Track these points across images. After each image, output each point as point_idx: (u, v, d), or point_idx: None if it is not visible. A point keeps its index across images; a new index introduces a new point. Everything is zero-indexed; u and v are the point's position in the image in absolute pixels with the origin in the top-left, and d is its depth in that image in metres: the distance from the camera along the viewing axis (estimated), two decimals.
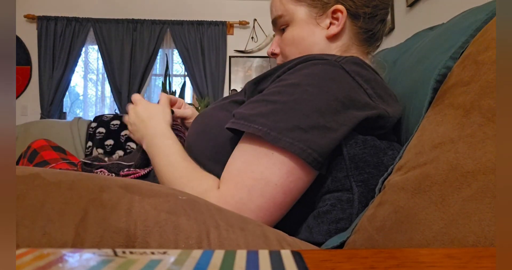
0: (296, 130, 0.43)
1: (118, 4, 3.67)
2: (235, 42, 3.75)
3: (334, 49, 0.60)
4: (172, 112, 0.69)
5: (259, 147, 0.45)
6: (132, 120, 0.65)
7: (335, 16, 0.59)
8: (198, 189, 0.46)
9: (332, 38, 0.60)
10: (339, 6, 0.58)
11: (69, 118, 3.67)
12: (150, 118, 0.63)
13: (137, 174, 0.63)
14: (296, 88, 0.47)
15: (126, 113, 0.67)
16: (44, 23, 3.51)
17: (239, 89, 3.21)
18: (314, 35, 0.60)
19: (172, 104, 0.73)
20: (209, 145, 0.55)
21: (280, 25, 0.63)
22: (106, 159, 0.75)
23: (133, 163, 0.67)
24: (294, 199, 0.46)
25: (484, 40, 0.38)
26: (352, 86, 0.48)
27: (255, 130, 0.44)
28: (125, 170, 0.65)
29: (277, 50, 0.65)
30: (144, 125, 0.62)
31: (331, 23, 0.60)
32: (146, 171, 0.64)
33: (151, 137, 0.59)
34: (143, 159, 0.65)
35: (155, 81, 3.75)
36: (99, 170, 0.67)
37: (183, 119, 0.75)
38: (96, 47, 3.65)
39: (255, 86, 0.56)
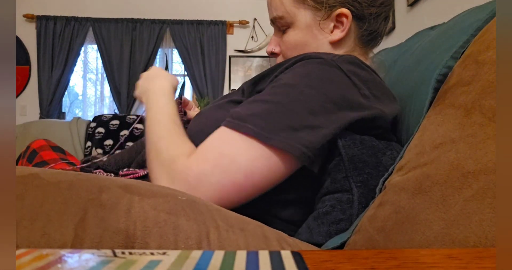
0: (288, 129, 0.44)
1: (118, 4, 3.67)
2: (235, 41, 3.75)
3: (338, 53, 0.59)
4: (185, 113, 0.71)
5: (239, 133, 0.46)
6: (141, 80, 0.66)
7: (339, 20, 0.57)
8: (172, 152, 0.47)
9: (336, 43, 0.58)
10: (344, 10, 0.56)
11: (68, 118, 3.67)
12: (156, 76, 0.64)
13: (136, 175, 0.63)
14: (292, 88, 0.47)
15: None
16: (43, 22, 3.51)
17: None
18: (318, 41, 0.58)
19: (184, 105, 0.75)
20: None
21: (280, 26, 0.61)
22: (104, 158, 0.75)
23: (131, 148, 0.67)
24: (255, 186, 0.46)
25: (485, 39, 0.38)
26: (347, 86, 0.48)
27: (248, 130, 0.44)
28: (125, 170, 0.64)
29: (276, 50, 0.63)
30: (149, 82, 0.63)
31: (334, 27, 0.58)
32: (145, 172, 0.64)
33: (153, 91, 0.60)
34: (143, 160, 0.65)
35: None
36: (98, 170, 0.67)
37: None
38: (95, 46, 3.65)
39: (253, 86, 0.55)
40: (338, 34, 0.57)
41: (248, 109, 0.47)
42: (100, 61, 3.64)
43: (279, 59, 0.64)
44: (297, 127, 0.44)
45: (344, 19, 0.57)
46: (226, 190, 0.44)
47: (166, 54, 3.68)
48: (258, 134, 0.44)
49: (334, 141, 0.47)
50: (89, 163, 0.71)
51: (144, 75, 0.66)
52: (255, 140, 0.44)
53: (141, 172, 0.63)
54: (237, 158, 0.44)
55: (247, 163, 0.44)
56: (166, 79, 0.63)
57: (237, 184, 0.44)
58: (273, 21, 0.62)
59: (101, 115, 2.62)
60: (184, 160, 0.45)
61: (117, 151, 0.75)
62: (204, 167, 0.44)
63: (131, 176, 0.63)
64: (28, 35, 3.54)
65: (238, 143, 0.45)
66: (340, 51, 0.59)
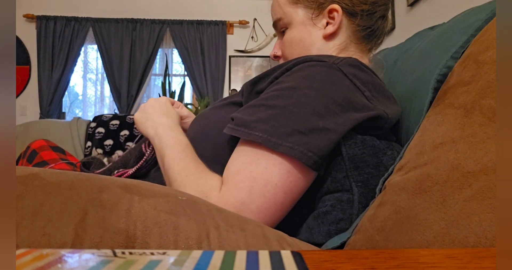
0: (296, 134, 0.43)
1: (118, 4, 3.67)
2: (235, 41, 3.75)
3: (332, 48, 0.60)
4: None
5: (257, 149, 0.45)
6: (141, 113, 0.64)
7: (331, 15, 0.60)
8: (202, 188, 0.46)
9: (329, 37, 0.60)
10: (335, 6, 0.59)
11: (68, 118, 3.67)
12: (160, 108, 0.63)
13: (126, 174, 0.64)
14: (294, 91, 0.47)
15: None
16: (43, 22, 3.51)
17: (239, 89, 3.20)
18: (311, 36, 0.61)
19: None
20: (208, 146, 0.55)
21: (280, 28, 0.64)
22: (105, 159, 0.75)
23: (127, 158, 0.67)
24: (295, 200, 0.46)
25: (485, 39, 0.38)
26: (350, 88, 0.48)
27: (255, 138, 0.44)
28: (115, 172, 0.65)
29: (279, 53, 0.66)
30: (152, 114, 0.62)
31: (328, 23, 0.60)
32: (134, 169, 0.64)
33: (164, 127, 0.59)
34: (134, 160, 0.65)
35: (155, 81, 3.74)
36: None
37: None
38: (95, 46, 3.65)
39: (252, 87, 0.55)
40: (330, 28, 0.60)
41: (252, 114, 0.47)
42: (100, 61, 3.64)
43: (281, 62, 0.66)
44: (304, 130, 0.43)
45: (335, 14, 0.59)
46: (269, 213, 0.44)
47: (166, 54, 3.67)
48: (266, 141, 0.43)
49: None
50: (88, 164, 0.71)
51: (144, 107, 0.65)
52: (274, 153, 0.44)
53: (130, 171, 0.63)
54: (270, 178, 0.43)
55: (282, 179, 0.43)
56: (168, 111, 0.63)
57: (280, 204, 0.44)
58: (275, 24, 0.65)
59: (101, 115, 2.62)
60: (217, 193, 0.45)
61: (118, 152, 0.75)
62: (240, 196, 0.43)
63: (123, 176, 0.63)
64: (28, 35, 3.54)
65: (263, 161, 0.44)
66: (333, 45, 0.61)
